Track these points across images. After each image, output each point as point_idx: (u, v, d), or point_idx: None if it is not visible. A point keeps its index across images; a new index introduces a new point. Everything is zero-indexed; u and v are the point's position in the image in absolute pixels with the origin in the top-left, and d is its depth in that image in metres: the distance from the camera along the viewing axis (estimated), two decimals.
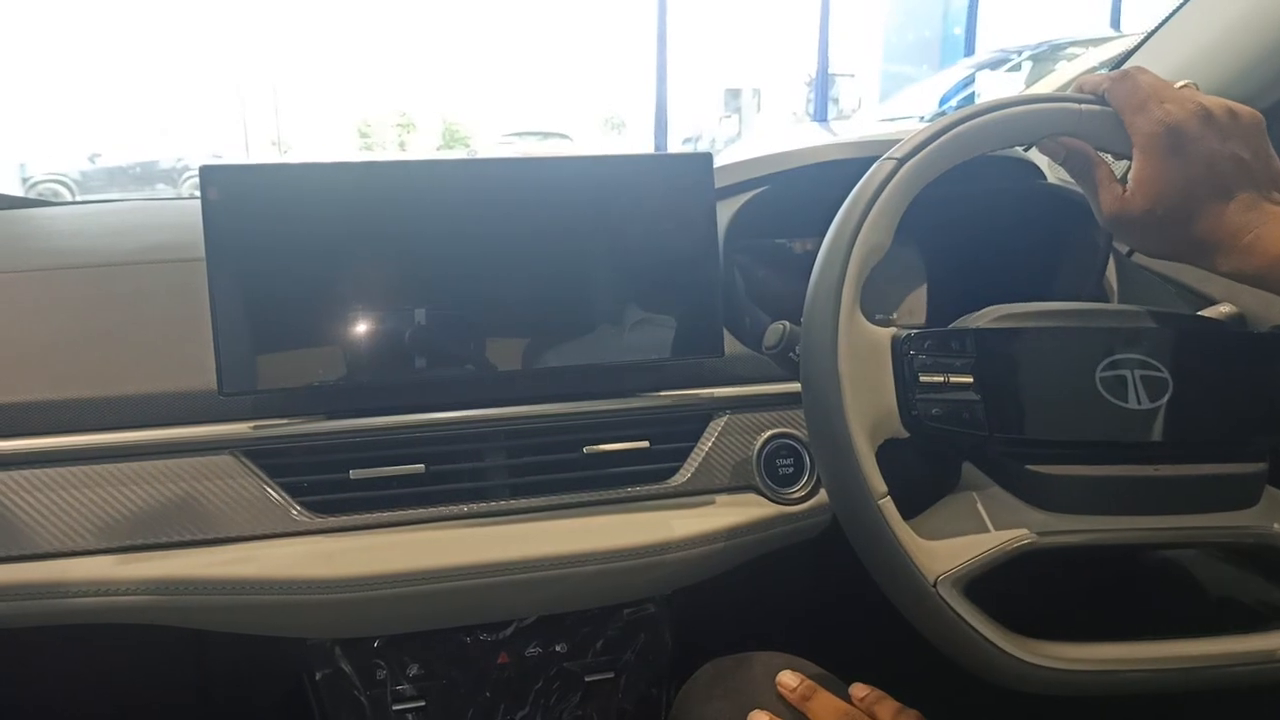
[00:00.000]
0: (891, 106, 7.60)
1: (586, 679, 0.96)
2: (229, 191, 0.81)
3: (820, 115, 14.21)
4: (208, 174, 0.80)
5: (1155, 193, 0.66)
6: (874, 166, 0.71)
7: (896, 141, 0.71)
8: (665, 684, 0.99)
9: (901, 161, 0.70)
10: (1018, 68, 6.92)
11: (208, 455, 0.83)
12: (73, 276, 0.91)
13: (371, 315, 0.84)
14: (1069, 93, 0.73)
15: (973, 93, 6.96)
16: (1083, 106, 0.71)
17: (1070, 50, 6.52)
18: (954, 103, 6.71)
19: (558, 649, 0.95)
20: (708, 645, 0.90)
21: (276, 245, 0.82)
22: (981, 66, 7.49)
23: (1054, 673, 0.65)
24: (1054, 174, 1.08)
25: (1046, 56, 6.73)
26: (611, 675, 0.97)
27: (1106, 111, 0.70)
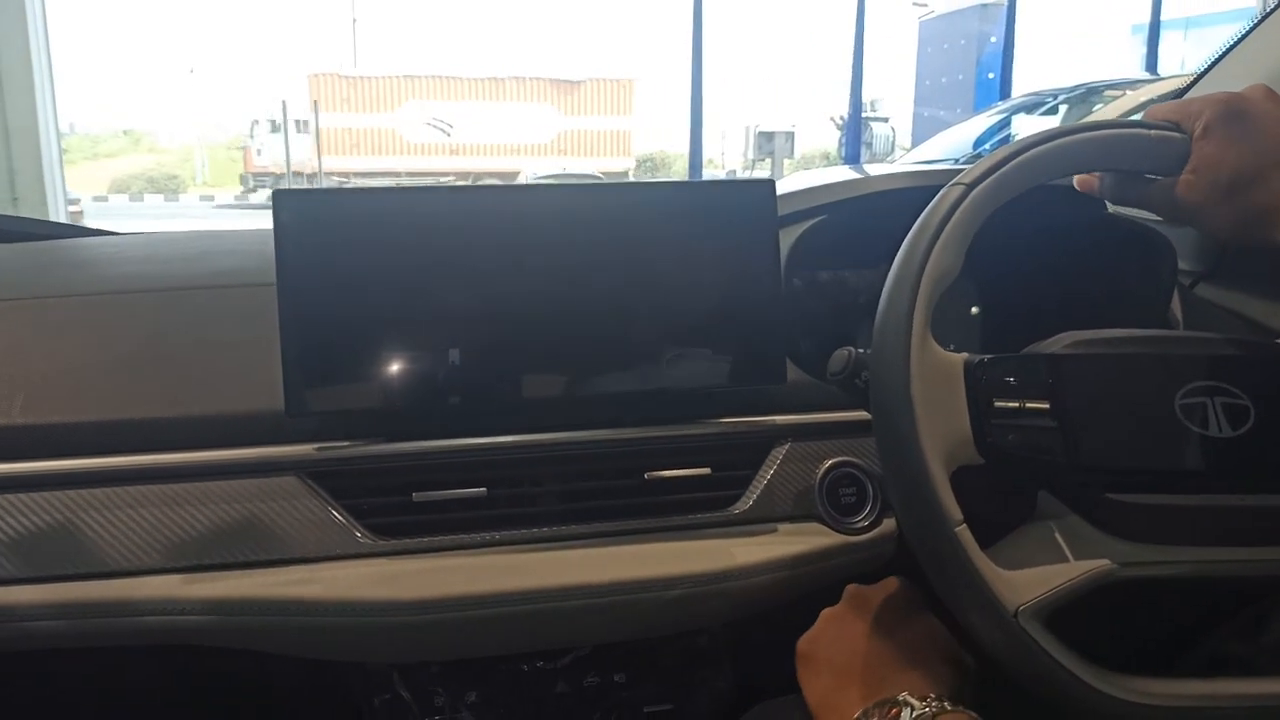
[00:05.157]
0: (926, 150, 7.59)
1: (645, 710, 0.95)
2: (300, 215, 0.82)
3: (853, 158, 14.26)
4: (280, 198, 0.82)
5: (1218, 162, 0.66)
6: (942, 191, 0.71)
7: (956, 171, 0.71)
8: (725, 717, 0.97)
9: (970, 187, 0.70)
10: (1054, 110, 6.90)
11: (272, 476, 0.83)
12: (143, 300, 0.93)
13: (436, 338, 0.84)
14: (1139, 119, 0.73)
15: (1008, 135, 6.95)
16: (1153, 132, 0.71)
17: (1107, 94, 6.50)
18: (988, 146, 6.70)
19: (616, 679, 0.94)
20: (764, 680, 0.88)
21: (344, 269, 0.83)
22: (1017, 110, 7.47)
23: (1142, 709, 0.63)
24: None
25: (1082, 99, 6.71)
26: (670, 707, 0.95)
27: (1178, 138, 0.70)
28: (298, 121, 20.26)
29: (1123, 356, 0.72)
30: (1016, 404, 0.69)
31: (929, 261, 0.68)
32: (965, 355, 0.70)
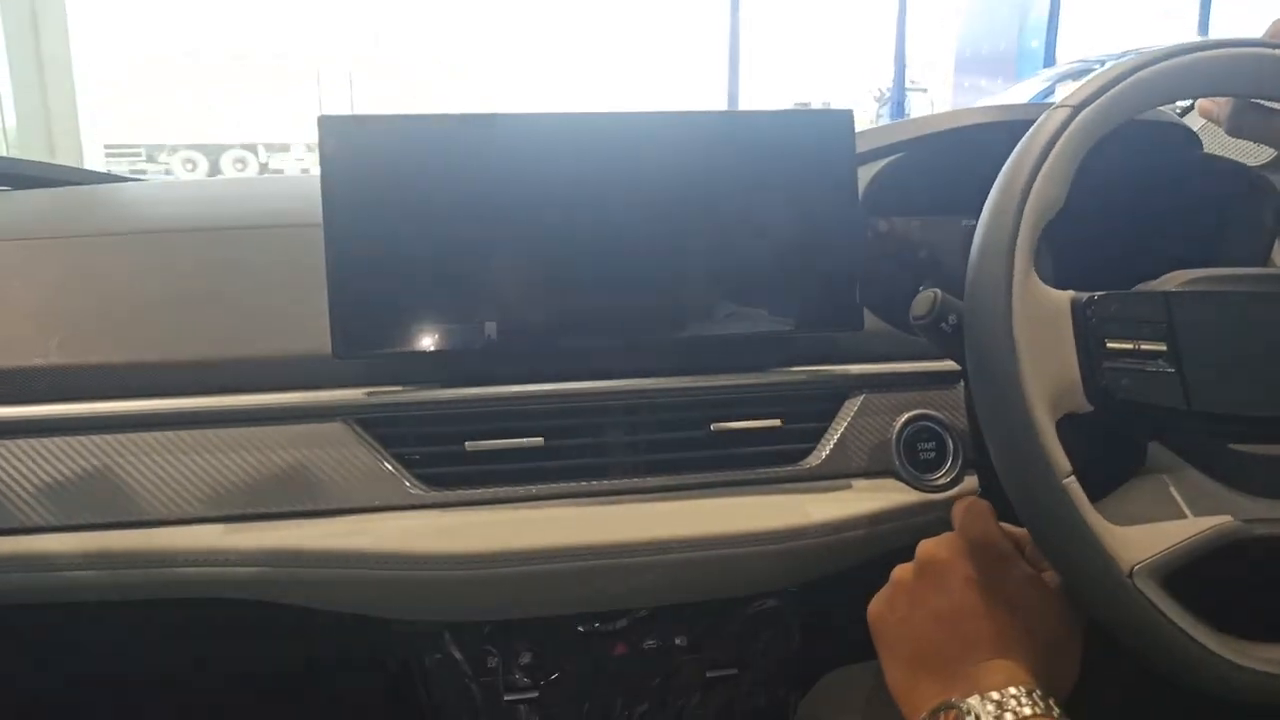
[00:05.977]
0: None
1: (708, 674, 0.90)
2: (347, 143, 0.77)
3: None
4: (326, 124, 0.77)
5: None
6: (1045, 114, 0.65)
7: (1045, 106, 0.65)
8: (792, 684, 0.92)
9: (1077, 109, 0.64)
10: None
11: (319, 422, 0.79)
12: (185, 239, 0.88)
13: (491, 278, 0.79)
14: (1262, 38, 0.67)
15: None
16: (1276, 52, 0.64)
17: None
18: None
19: (677, 642, 0.89)
20: (834, 646, 0.83)
21: (395, 201, 0.78)
22: (1062, 78, 7.29)
23: (1275, 680, 0.57)
24: (1211, 143, 1.00)
25: None
26: (735, 672, 0.90)
27: None
28: None
29: (1245, 295, 0.65)
30: (1130, 345, 0.62)
31: (1033, 189, 0.62)
32: (1072, 293, 0.64)
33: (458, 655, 0.85)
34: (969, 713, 0.56)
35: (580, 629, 0.87)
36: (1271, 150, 0.96)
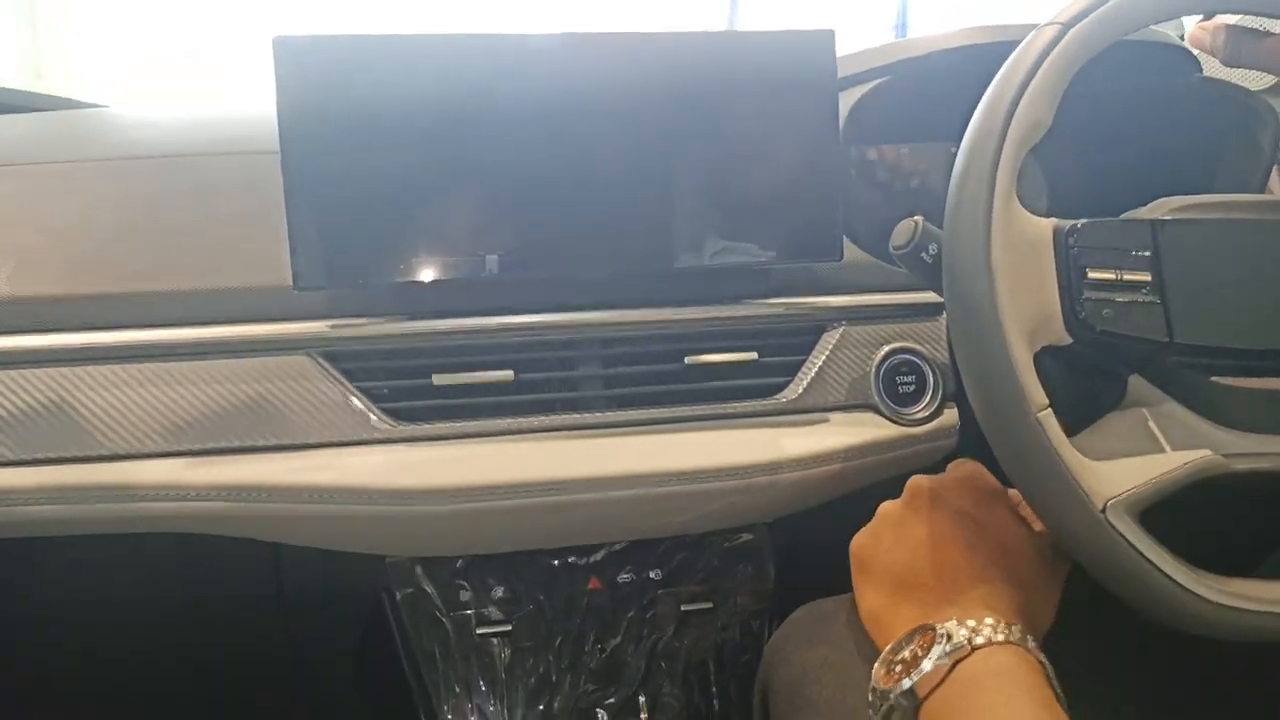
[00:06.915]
0: None
1: (683, 608, 0.89)
2: (304, 65, 0.74)
3: None
4: (281, 45, 0.74)
5: None
6: (1033, 33, 0.62)
7: (1034, 27, 0.62)
8: (767, 618, 0.92)
9: (1067, 26, 0.61)
10: None
11: (282, 355, 0.77)
12: (141, 167, 0.85)
13: (459, 206, 0.77)
14: None
15: None
16: None
17: None
18: None
19: (651, 576, 0.88)
20: (809, 580, 0.82)
21: (356, 125, 0.75)
22: None
23: (1245, 615, 0.56)
24: (1212, 68, 0.96)
25: None
26: (710, 606, 0.90)
27: None
28: None
29: (1235, 223, 0.63)
30: (1113, 275, 0.60)
31: (1017, 110, 0.60)
32: (1054, 220, 0.61)
33: (429, 589, 0.85)
34: (945, 635, 0.55)
35: (554, 563, 0.87)
36: (1271, 76, 0.92)
